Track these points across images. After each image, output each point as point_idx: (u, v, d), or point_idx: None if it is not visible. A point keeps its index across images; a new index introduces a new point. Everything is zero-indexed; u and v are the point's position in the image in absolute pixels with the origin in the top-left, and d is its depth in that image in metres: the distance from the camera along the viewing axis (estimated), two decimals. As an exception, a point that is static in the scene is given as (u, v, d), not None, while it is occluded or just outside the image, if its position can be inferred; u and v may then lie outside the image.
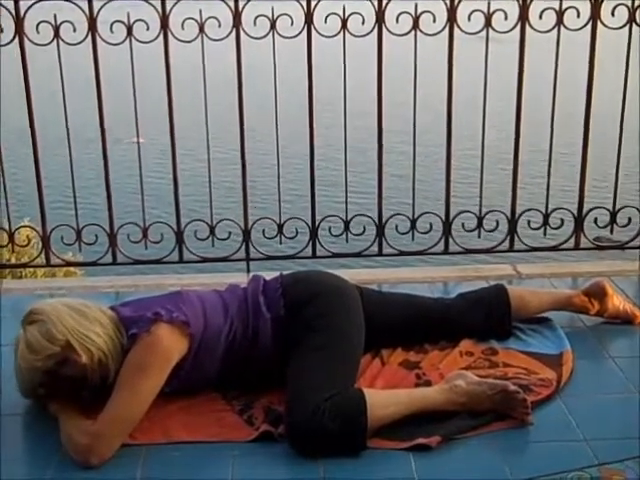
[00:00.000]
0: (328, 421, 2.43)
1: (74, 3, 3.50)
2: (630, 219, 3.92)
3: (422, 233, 3.90)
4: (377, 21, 3.57)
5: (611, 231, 3.95)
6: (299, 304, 2.77)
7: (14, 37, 3.55)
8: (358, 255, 3.98)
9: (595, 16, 3.58)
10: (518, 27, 3.60)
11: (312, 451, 2.45)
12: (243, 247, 3.89)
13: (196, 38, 3.57)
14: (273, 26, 3.56)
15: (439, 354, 2.99)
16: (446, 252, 3.96)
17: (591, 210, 3.91)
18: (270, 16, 3.53)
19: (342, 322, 2.76)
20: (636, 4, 3.56)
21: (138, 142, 3.80)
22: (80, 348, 2.54)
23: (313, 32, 3.59)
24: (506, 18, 3.59)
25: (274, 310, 2.77)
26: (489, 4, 3.54)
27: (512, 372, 2.84)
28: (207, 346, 2.66)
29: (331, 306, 2.78)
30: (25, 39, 3.56)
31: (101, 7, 3.51)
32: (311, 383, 2.54)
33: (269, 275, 2.97)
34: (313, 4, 3.54)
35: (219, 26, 3.57)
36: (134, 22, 3.53)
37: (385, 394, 2.64)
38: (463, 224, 3.92)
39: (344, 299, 2.85)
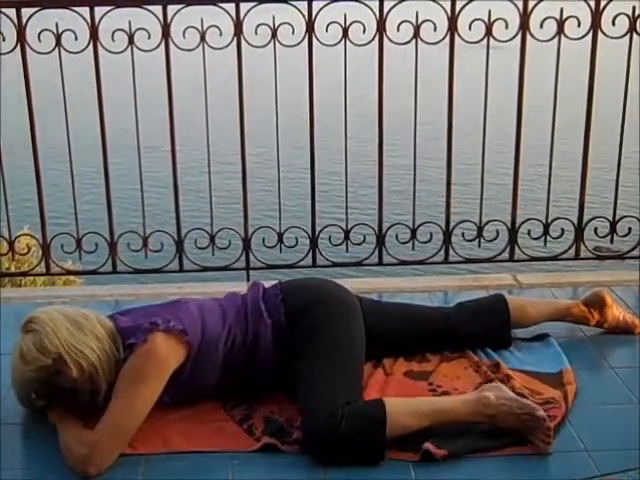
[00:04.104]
0: (346, 428, 2.42)
1: (76, 12, 3.51)
2: (630, 229, 3.92)
3: (422, 243, 3.90)
4: (378, 30, 3.58)
5: (611, 241, 3.95)
6: (299, 311, 2.77)
7: (16, 45, 3.55)
8: (358, 264, 3.98)
9: (596, 25, 3.59)
10: (519, 36, 3.61)
11: (329, 459, 2.44)
12: (243, 256, 3.89)
13: (197, 47, 3.58)
14: (274, 35, 3.56)
15: (447, 366, 2.96)
16: (446, 261, 3.96)
17: (591, 220, 3.90)
18: (271, 25, 3.54)
19: (344, 329, 2.76)
20: (637, 13, 3.56)
21: (139, 148, 3.80)
22: (72, 362, 2.53)
23: (314, 41, 3.59)
24: (507, 27, 3.60)
25: (275, 316, 2.76)
26: (490, 13, 3.55)
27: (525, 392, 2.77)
28: (205, 354, 2.66)
29: (332, 313, 2.78)
30: (27, 48, 3.56)
31: (102, 15, 3.52)
32: (323, 391, 2.53)
33: (269, 284, 2.97)
34: (314, 13, 3.54)
35: (220, 35, 3.58)
36: (135, 31, 3.54)
37: (406, 403, 2.60)
38: (463, 234, 3.91)
39: (344, 306, 2.85)
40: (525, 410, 2.51)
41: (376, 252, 3.91)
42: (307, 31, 3.58)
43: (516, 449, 2.50)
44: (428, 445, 2.45)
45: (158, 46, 3.58)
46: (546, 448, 2.47)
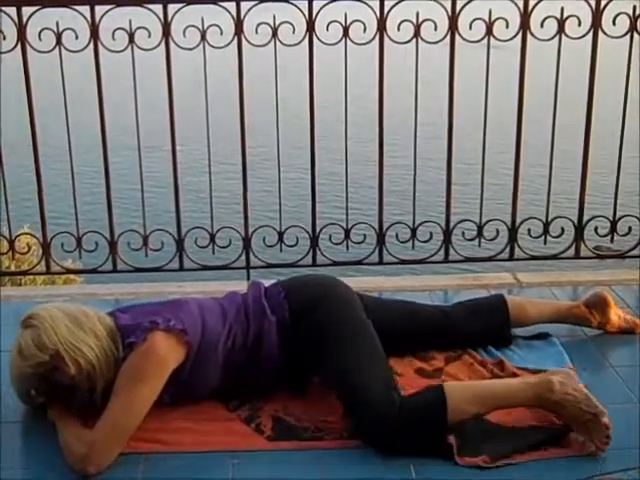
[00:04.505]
0: (406, 416, 2.46)
1: (76, 10, 3.51)
2: (630, 228, 3.92)
3: (422, 242, 3.90)
4: (379, 29, 3.58)
5: (611, 240, 3.95)
6: (304, 309, 2.76)
7: (16, 44, 3.55)
8: (358, 263, 3.98)
9: (596, 25, 3.59)
10: (520, 35, 3.61)
11: (391, 450, 2.47)
12: (243, 255, 3.89)
13: (198, 45, 3.58)
14: (275, 34, 3.56)
15: (455, 364, 2.97)
16: (446, 260, 3.96)
17: (591, 219, 3.90)
18: (272, 24, 3.53)
19: (353, 321, 2.77)
20: (637, 13, 3.56)
21: (139, 148, 3.80)
22: (69, 359, 2.53)
23: (315, 40, 3.59)
24: (507, 26, 3.59)
25: (279, 313, 2.76)
26: (490, 12, 3.55)
27: None
28: (205, 354, 2.65)
29: (337, 308, 2.78)
30: (27, 46, 3.56)
31: (103, 14, 3.52)
32: (368, 385, 2.55)
33: (268, 283, 2.97)
34: (315, 12, 3.54)
35: (221, 34, 3.58)
36: (136, 29, 3.54)
37: (465, 388, 2.62)
38: (463, 233, 3.91)
39: (345, 301, 2.85)
40: (591, 410, 2.48)
41: (376, 251, 3.91)
42: (308, 30, 3.58)
43: (562, 451, 2.48)
44: (467, 459, 2.43)
45: (158, 45, 3.58)
46: (598, 453, 2.45)
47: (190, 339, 2.60)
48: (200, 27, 3.53)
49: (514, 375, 2.85)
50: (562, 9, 3.55)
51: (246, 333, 2.73)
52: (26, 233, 4.20)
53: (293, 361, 2.74)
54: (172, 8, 3.53)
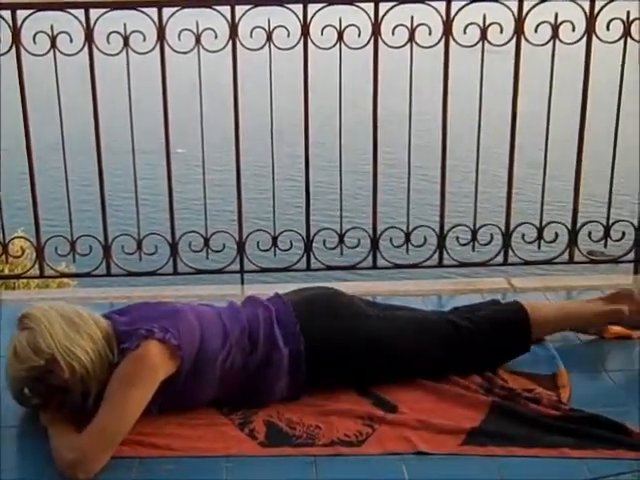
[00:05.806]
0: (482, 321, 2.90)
1: (71, 14, 3.51)
2: (624, 233, 3.92)
3: (416, 246, 3.90)
4: (373, 33, 3.58)
5: (605, 245, 3.95)
6: (322, 342, 2.76)
7: (10, 47, 3.55)
8: (352, 268, 3.97)
9: (590, 30, 3.60)
10: (514, 40, 3.62)
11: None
12: (237, 259, 3.88)
13: (193, 49, 3.57)
14: (269, 38, 3.56)
15: None
16: (440, 265, 3.95)
17: (585, 224, 3.91)
18: (266, 28, 3.54)
19: (382, 317, 2.91)
20: (631, 18, 3.57)
21: (133, 152, 3.80)
22: (64, 363, 2.52)
23: (309, 44, 3.59)
24: (501, 31, 3.60)
25: (293, 345, 2.73)
26: (484, 17, 3.55)
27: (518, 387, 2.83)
28: (199, 371, 2.63)
29: (369, 323, 2.85)
30: (22, 49, 3.56)
31: (98, 18, 3.52)
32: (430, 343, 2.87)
33: (264, 288, 2.96)
34: (309, 16, 3.55)
35: (215, 37, 3.57)
36: (131, 33, 3.54)
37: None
38: (457, 237, 3.91)
39: (363, 312, 2.90)
40: None
41: (370, 256, 3.91)
42: (302, 34, 3.58)
43: (610, 452, 2.48)
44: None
45: (153, 49, 3.58)
46: None
47: (183, 355, 2.58)
48: (195, 31, 3.53)
49: (504, 381, 2.87)
50: (556, 14, 3.56)
51: (248, 356, 2.70)
52: (20, 237, 4.20)
53: (303, 387, 2.74)
54: (167, 12, 3.53)
